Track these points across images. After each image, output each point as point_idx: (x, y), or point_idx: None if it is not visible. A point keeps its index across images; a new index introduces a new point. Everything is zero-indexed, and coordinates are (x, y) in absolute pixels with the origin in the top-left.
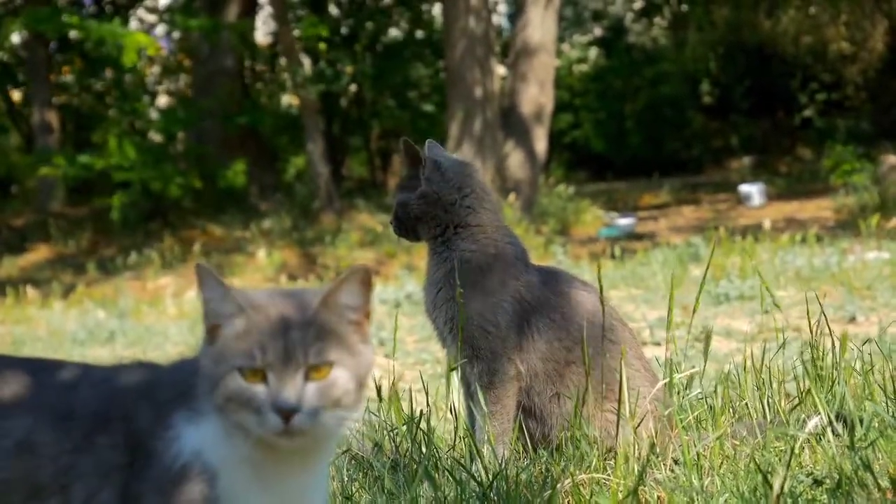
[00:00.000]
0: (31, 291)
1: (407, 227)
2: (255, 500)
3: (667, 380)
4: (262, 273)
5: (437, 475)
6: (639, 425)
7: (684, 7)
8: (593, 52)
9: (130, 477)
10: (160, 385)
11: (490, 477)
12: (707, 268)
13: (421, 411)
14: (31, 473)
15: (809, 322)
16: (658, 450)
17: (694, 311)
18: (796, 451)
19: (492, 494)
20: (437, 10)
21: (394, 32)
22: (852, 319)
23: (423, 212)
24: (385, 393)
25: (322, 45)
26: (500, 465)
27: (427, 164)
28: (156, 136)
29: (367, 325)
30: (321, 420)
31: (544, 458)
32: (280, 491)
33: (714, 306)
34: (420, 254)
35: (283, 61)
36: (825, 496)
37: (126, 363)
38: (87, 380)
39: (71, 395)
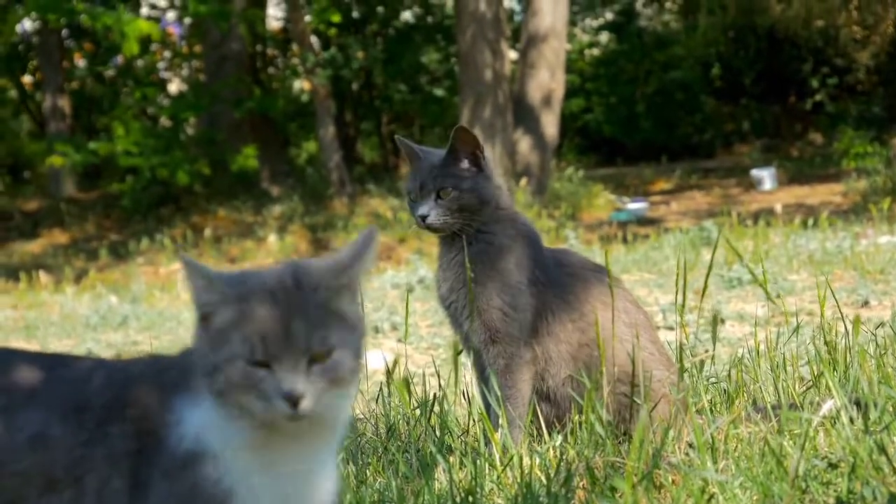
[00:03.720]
0: (43, 276)
1: (460, 214)
2: (261, 483)
3: (679, 364)
4: (273, 258)
5: (451, 459)
6: (653, 408)
7: None
8: (604, 37)
9: (139, 463)
10: (166, 371)
11: (504, 461)
12: (714, 250)
13: (434, 395)
14: (46, 467)
15: (822, 306)
16: (672, 433)
17: (703, 294)
18: (811, 434)
19: (506, 478)
20: None
21: (405, 16)
22: (865, 303)
23: (491, 196)
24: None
25: (332, 31)
26: (515, 448)
27: (484, 152)
28: (167, 122)
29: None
30: (326, 400)
31: (558, 442)
32: (286, 474)
33: (727, 290)
34: (430, 239)
35: (294, 46)
36: (840, 479)
37: (140, 357)
38: (99, 372)
39: (84, 387)
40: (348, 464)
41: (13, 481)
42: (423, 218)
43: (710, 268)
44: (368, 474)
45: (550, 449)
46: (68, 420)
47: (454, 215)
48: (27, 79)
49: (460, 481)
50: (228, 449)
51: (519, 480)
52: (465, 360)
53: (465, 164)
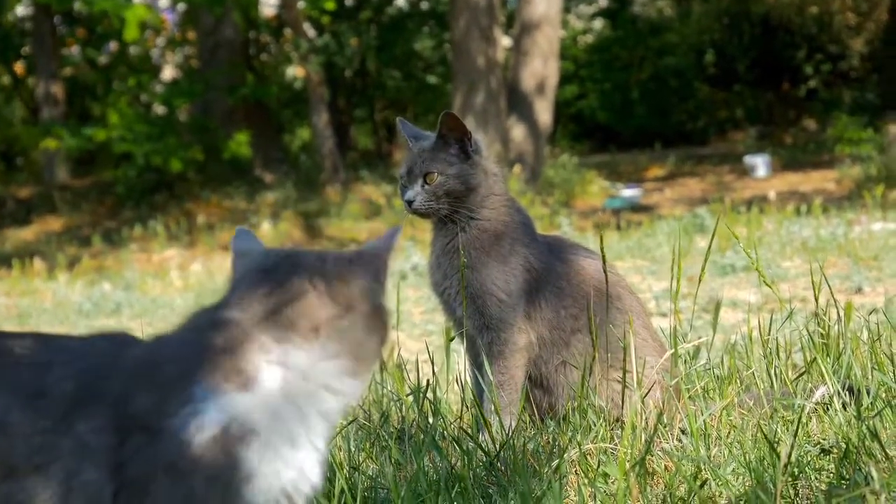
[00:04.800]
0: (36, 263)
1: (447, 199)
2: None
3: (672, 350)
4: (266, 245)
5: (443, 445)
6: (646, 395)
7: None
8: (598, 23)
9: (126, 459)
10: (162, 363)
11: (497, 447)
12: (712, 238)
13: (427, 381)
14: (4, 453)
15: (816, 292)
16: (665, 419)
17: (700, 280)
18: (803, 420)
19: (499, 464)
20: None
21: (398, 3)
22: (859, 290)
23: (478, 183)
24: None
25: (326, 17)
26: (508, 435)
27: (474, 138)
28: (160, 109)
29: None
30: None
31: (551, 428)
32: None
33: (720, 277)
34: (424, 226)
35: (288, 33)
36: (832, 465)
37: (100, 335)
38: (60, 357)
39: (44, 373)
40: (340, 450)
41: None
42: (409, 202)
43: (707, 254)
44: (361, 460)
45: (543, 435)
46: (26, 406)
47: (440, 201)
48: (20, 65)
49: (452, 468)
50: (266, 429)
51: (512, 467)
52: (459, 347)
53: (454, 149)
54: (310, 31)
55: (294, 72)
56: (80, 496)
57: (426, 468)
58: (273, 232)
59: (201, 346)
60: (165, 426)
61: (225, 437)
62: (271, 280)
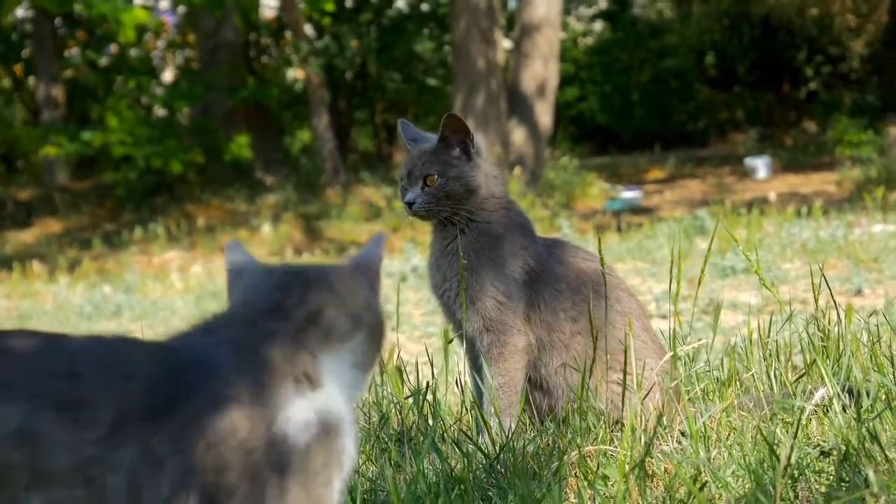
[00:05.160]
0: (37, 266)
1: (447, 202)
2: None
3: (672, 352)
4: (267, 247)
5: (443, 447)
6: (645, 397)
7: None
8: (598, 25)
9: (220, 467)
10: (231, 375)
11: (497, 449)
12: (711, 240)
13: (427, 383)
14: (39, 463)
15: (815, 294)
16: (665, 422)
17: (700, 282)
18: (803, 422)
19: (498, 466)
20: None
21: (399, 5)
22: (859, 292)
23: (478, 185)
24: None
25: (326, 20)
26: (507, 437)
27: (475, 140)
28: (161, 112)
29: None
30: None
31: (551, 430)
32: None
33: (720, 279)
34: (424, 228)
35: (288, 35)
36: (832, 468)
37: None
38: (97, 361)
39: (81, 383)
40: None
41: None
42: (410, 204)
43: (707, 256)
44: (360, 463)
45: (543, 437)
46: (62, 417)
47: (440, 203)
48: (20, 67)
49: (451, 470)
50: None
51: (511, 469)
52: (459, 349)
53: (456, 151)
54: (310, 32)
55: (294, 74)
56: None
57: (426, 470)
58: (273, 234)
59: (262, 356)
60: (270, 435)
61: (325, 430)
62: (289, 296)
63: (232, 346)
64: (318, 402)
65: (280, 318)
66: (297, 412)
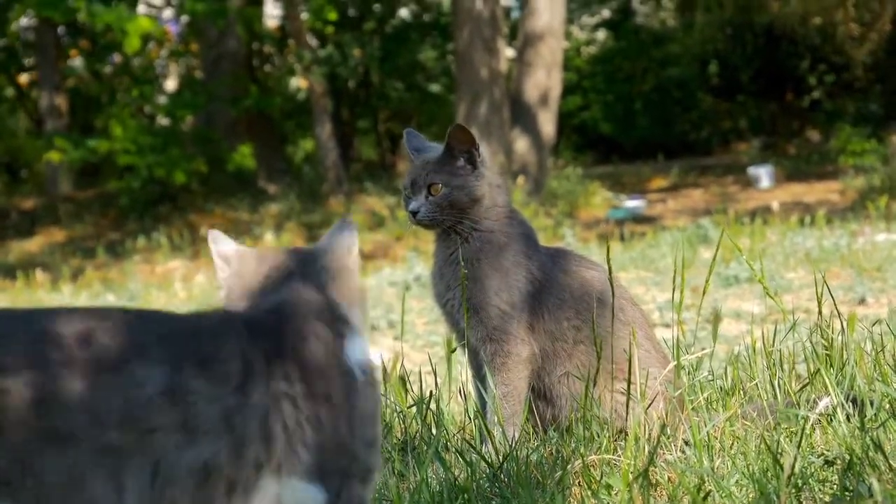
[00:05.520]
0: (40, 275)
1: (451, 211)
2: None
3: (675, 361)
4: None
5: (447, 456)
6: (649, 406)
7: None
8: (601, 34)
9: (314, 397)
10: (308, 326)
11: (500, 458)
12: (716, 250)
13: (431, 392)
14: (186, 419)
15: (819, 303)
16: (668, 431)
17: (703, 291)
18: (807, 431)
19: (502, 476)
20: None
21: (402, 14)
22: (862, 301)
23: (482, 194)
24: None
25: (329, 28)
26: (511, 446)
27: (480, 150)
28: (164, 121)
29: None
30: None
31: (554, 440)
32: None
33: (724, 288)
34: (427, 237)
35: (291, 44)
36: (836, 477)
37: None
38: (222, 326)
39: (216, 341)
40: None
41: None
42: (414, 213)
43: (711, 265)
44: None
45: (547, 446)
46: (201, 373)
47: (444, 212)
48: (23, 77)
49: (455, 479)
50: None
51: (515, 478)
52: (462, 358)
53: (461, 161)
54: (313, 42)
55: (297, 83)
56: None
57: (429, 480)
58: (276, 243)
59: (319, 316)
60: (344, 376)
61: (371, 372)
62: (306, 264)
63: (289, 304)
64: (365, 350)
65: (318, 288)
66: (358, 358)
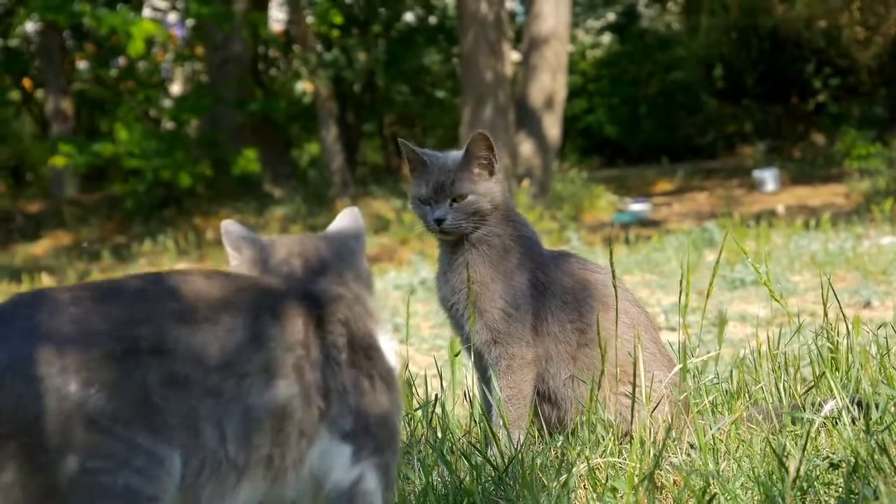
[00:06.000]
0: (46, 278)
1: (474, 218)
2: None
3: (681, 365)
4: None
5: (452, 460)
6: (654, 409)
7: None
8: (606, 38)
9: (358, 374)
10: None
11: (506, 461)
12: (720, 252)
13: (436, 396)
14: (265, 363)
15: (825, 306)
16: (674, 434)
17: (708, 295)
18: (812, 434)
19: (507, 479)
20: None
21: (407, 18)
22: (867, 304)
23: (502, 200)
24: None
25: (335, 32)
26: (516, 449)
27: (498, 155)
28: (169, 124)
29: None
30: None
31: (560, 443)
32: None
33: (729, 291)
34: (432, 241)
35: (296, 48)
36: (841, 480)
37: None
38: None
39: (268, 295)
40: None
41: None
42: (439, 221)
43: (716, 268)
44: None
45: (552, 449)
46: (272, 322)
47: (469, 219)
48: (29, 81)
49: (460, 482)
50: None
51: (520, 481)
52: (467, 362)
53: (479, 168)
54: (318, 45)
55: (303, 86)
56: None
57: (435, 483)
58: None
59: (352, 304)
60: (381, 357)
61: (395, 355)
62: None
63: (327, 290)
64: (389, 338)
65: (336, 264)
66: (387, 340)
